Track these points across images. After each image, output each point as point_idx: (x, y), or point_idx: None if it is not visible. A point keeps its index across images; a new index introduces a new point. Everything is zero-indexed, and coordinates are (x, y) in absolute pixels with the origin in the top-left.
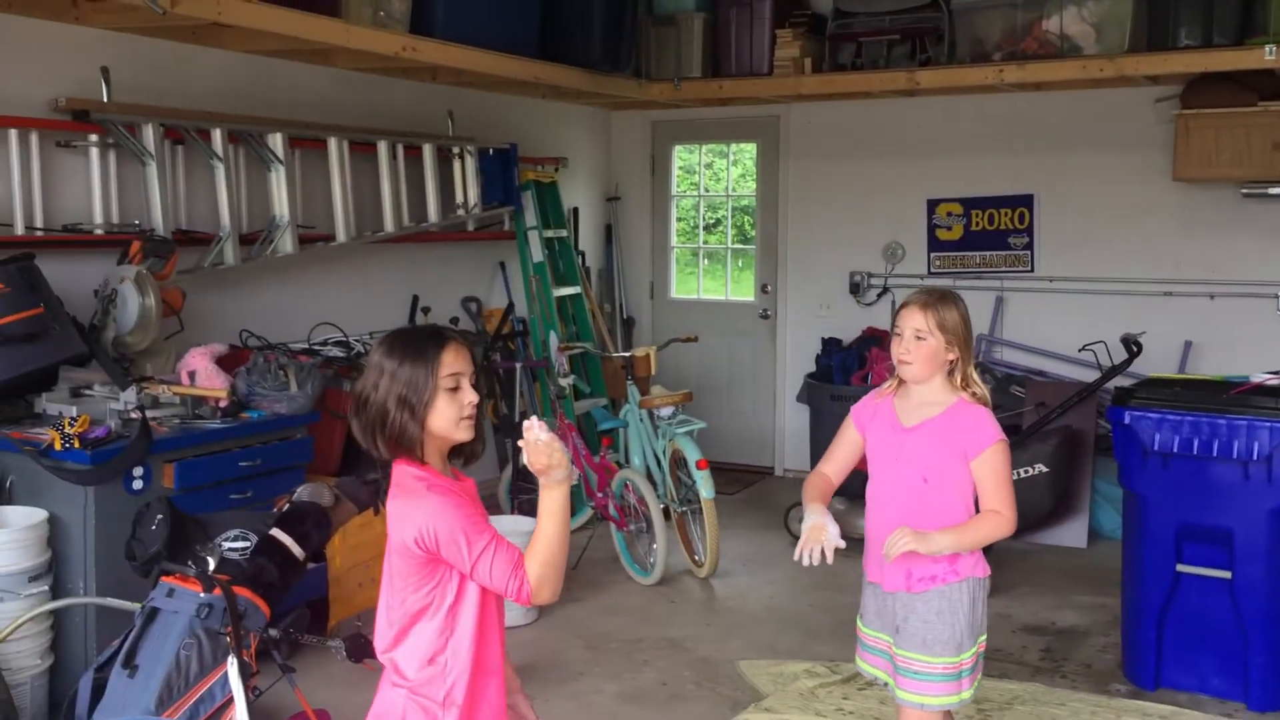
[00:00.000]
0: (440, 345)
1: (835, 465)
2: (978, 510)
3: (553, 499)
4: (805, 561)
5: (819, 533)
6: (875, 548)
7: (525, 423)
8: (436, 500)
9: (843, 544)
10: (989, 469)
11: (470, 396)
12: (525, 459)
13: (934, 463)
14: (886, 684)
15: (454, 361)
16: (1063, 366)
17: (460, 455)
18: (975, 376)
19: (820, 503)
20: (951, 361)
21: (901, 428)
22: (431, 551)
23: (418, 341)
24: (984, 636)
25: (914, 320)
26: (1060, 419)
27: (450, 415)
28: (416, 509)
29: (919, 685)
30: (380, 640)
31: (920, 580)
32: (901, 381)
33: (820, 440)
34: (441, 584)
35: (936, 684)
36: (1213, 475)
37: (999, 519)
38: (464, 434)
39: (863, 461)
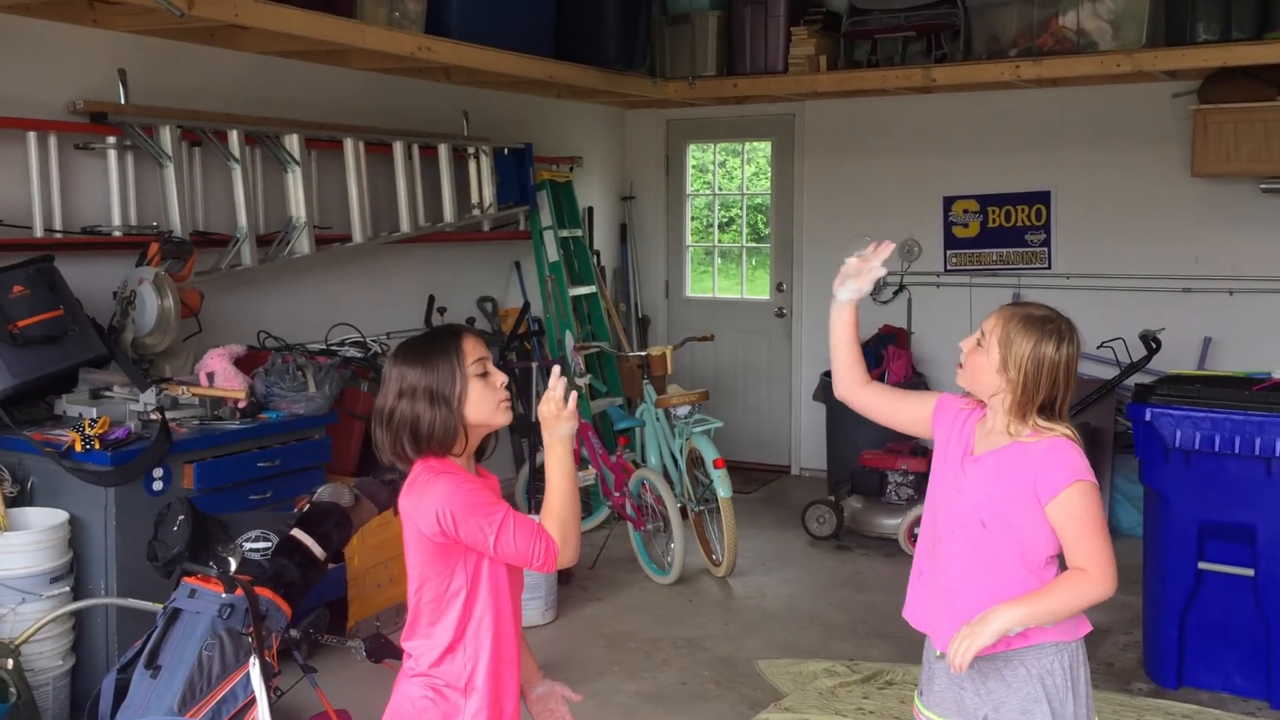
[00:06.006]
0: (457, 336)
1: (884, 389)
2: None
3: (555, 456)
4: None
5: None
6: (935, 600)
7: (555, 368)
8: (447, 482)
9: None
10: (1069, 514)
11: (501, 378)
12: (539, 406)
13: (994, 504)
14: None
15: (475, 348)
16: (1081, 364)
17: (478, 452)
18: (1042, 423)
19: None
20: (1016, 402)
21: (972, 454)
22: (450, 534)
23: (433, 340)
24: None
25: (987, 322)
26: (1079, 416)
27: (489, 401)
28: (428, 495)
29: None
30: (405, 635)
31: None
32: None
33: (837, 438)
34: (457, 572)
35: None
36: (1235, 472)
37: (1086, 580)
38: (504, 417)
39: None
